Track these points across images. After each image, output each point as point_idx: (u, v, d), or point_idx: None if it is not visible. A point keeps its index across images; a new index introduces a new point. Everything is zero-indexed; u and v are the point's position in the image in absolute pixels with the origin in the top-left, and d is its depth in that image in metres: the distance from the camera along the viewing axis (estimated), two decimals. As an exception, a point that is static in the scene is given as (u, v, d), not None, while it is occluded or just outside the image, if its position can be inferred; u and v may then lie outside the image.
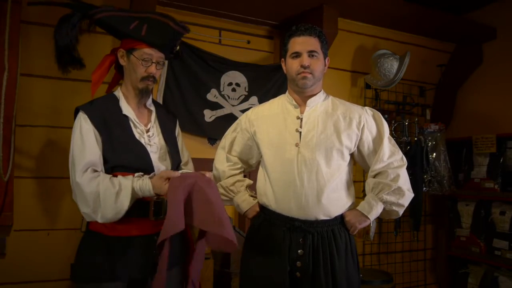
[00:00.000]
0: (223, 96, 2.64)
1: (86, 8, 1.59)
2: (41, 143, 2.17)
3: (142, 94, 1.58)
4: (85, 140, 1.45)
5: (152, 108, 1.67)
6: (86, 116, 1.48)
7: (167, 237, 1.32)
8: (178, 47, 1.69)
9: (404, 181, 1.63)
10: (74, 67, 1.64)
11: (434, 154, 3.08)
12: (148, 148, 1.54)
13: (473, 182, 3.10)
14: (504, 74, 3.06)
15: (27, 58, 2.11)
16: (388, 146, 1.66)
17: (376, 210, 1.61)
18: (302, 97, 1.65)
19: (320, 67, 1.61)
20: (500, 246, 2.86)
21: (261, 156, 1.72)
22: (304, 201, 1.54)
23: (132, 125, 1.56)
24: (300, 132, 1.60)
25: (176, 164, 1.63)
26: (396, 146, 1.69)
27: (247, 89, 2.70)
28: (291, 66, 1.61)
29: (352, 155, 1.67)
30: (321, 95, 1.67)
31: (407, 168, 1.68)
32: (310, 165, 1.55)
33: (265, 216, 1.64)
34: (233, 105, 2.66)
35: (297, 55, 1.59)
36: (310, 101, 1.64)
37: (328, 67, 1.70)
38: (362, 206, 1.63)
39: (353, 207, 1.65)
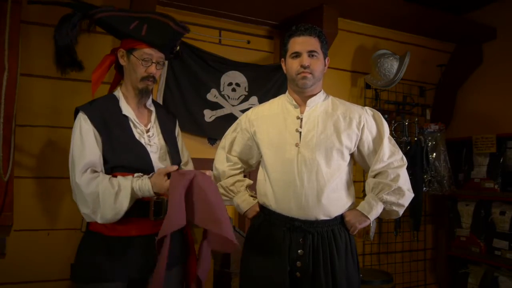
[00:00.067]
0: (223, 96, 2.64)
1: (87, 8, 1.59)
2: (41, 143, 2.17)
3: (142, 94, 1.58)
4: (85, 141, 1.45)
5: (152, 108, 1.67)
6: (86, 117, 1.48)
7: (167, 233, 1.32)
8: (178, 47, 1.69)
9: (404, 181, 1.63)
10: (73, 69, 1.64)
11: (434, 154, 3.07)
12: (148, 148, 1.54)
13: (473, 182, 3.10)
14: (504, 74, 3.06)
15: (27, 58, 2.11)
16: (388, 146, 1.66)
17: (376, 210, 1.61)
18: (302, 97, 1.65)
19: (320, 67, 1.61)
20: (500, 246, 2.86)
21: (261, 156, 1.72)
22: (304, 201, 1.54)
23: (132, 125, 1.56)
24: (300, 132, 1.60)
25: (176, 164, 1.63)
26: (396, 146, 1.69)
27: (247, 89, 2.70)
28: (291, 66, 1.61)
29: (352, 155, 1.67)
30: (321, 95, 1.67)
31: (407, 168, 1.68)
32: (310, 165, 1.55)
33: (265, 216, 1.64)
34: (233, 105, 2.66)
35: (297, 55, 1.59)
36: (310, 101, 1.64)
37: (328, 67, 1.70)
38: (362, 206, 1.63)
39: (353, 207, 1.65)
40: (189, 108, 2.53)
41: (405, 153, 2.79)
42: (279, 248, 1.56)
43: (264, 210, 1.66)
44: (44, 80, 2.17)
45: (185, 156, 1.77)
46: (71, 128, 1.51)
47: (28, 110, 2.14)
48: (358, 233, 1.79)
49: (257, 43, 2.83)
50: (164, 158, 1.60)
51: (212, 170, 1.80)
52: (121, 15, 1.59)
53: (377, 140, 1.66)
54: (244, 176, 1.82)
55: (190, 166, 1.78)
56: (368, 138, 1.65)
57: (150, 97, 1.66)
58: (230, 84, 2.65)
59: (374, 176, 1.66)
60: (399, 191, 1.60)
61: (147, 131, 1.59)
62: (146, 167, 1.50)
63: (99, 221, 1.40)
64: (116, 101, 1.58)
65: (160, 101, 2.43)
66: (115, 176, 1.44)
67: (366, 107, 1.71)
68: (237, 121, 1.83)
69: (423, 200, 3.11)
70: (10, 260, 2.06)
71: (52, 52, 1.59)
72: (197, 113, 2.56)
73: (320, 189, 1.55)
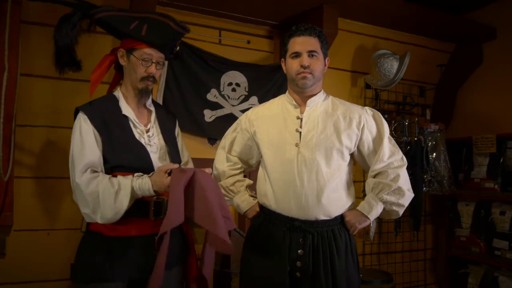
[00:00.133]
0: (223, 96, 2.64)
1: (87, 8, 1.60)
2: (41, 143, 2.17)
3: (142, 94, 1.58)
4: (85, 141, 1.45)
5: (152, 108, 1.67)
6: (86, 117, 1.48)
7: (168, 229, 1.32)
8: (178, 47, 1.69)
9: (404, 181, 1.63)
10: (71, 69, 1.64)
11: (434, 154, 3.08)
12: (148, 148, 1.54)
13: (473, 182, 3.10)
14: (504, 74, 3.06)
15: (27, 58, 2.11)
16: (388, 146, 1.66)
17: (376, 210, 1.61)
18: (302, 97, 1.65)
19: (320, 67, 1.61)
20: (500, 246, 2.86)
21: (261, 156, 1.72)
22: (304, 201, 1.54)
23: (132, 125, 1.56)
24: (300, 132, 1.60)
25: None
26: (396, 146, 1.69)
27: (247, 89, 2.70)
28: (291, 66, 1.61)
29: (352, 155, 1.67)
30: (321, 95, 1.67)
31: (407, 168, 1.68)
32: (310, 165, 1.55)
33: (265, 216, 1.64)
34: (233, 105, 2.66)
35: (297, 55, 1.59)
36: (310, 101, 1.64)
37: (328, 67, 1.70)
38: (362, 206, 1.63)
39: (353, 207, 1.65)
40: (189, 108, 2.53)
41: (405, 153, 2.80)
42: (279, 248, 1.56)
43: (264, 210, 1.66)
44: (44, 80, 2.17)
45: (185, 156, 1.77)
46: (71, 128, 1.51)
47: (28, 110, 2.14)
48: (358, 233, 1.79)
49: (257, 43, 2.83)
50: (164, 158, 1.59)
51: (211, 168, 1.81)
52: (121, 15, 1.59)
53: (377, 140, 1.66)
54: (244, 176, 1.82)
55: (190, 166, 1.77)
56: (368, 138, 1.65)
57: (150, 97, 1.66)
58: (230, 84, 2.65)
59: (374, 176, 1.66)
60: (399, 191, 1.60)
61: (147, 131, 1.59)
62: (146, 167, 1.50)
63: (99, 221, 1.40)
64: (116, 101, 1.58)
65: (160, 101, 2.43)
66: (115, 176, 1.43)
67: (366, 107, 1.71)
68: (237, 121, 1.83)
69: (423, 200, 3.11)
70: (10, 260, 2.06)
71: (52, 52, 1.59)
72: (197, 113, 2.56)
73: (320, 189, 1.54)
